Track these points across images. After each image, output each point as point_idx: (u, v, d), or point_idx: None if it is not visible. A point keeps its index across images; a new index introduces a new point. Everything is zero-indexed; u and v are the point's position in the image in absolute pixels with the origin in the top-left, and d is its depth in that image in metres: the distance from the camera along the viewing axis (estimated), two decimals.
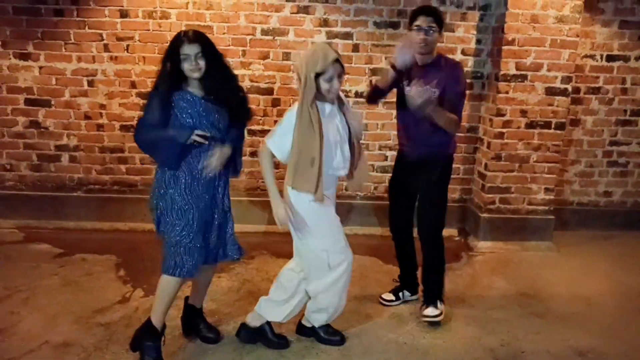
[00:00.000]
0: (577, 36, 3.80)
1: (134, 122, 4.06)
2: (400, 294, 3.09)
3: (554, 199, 4.10)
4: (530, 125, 3.90)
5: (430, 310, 2.83)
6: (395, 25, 4.01)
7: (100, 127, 4.11)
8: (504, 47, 3.76)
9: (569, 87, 3.87)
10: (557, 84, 3.84)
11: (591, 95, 4.26)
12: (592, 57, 4.18)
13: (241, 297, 3.13)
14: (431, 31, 2.57)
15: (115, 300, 3.01)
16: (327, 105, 2.37)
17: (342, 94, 2.47)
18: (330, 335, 2.66)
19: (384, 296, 3.08)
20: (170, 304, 2.39)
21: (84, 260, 3.57)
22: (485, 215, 4.05)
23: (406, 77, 2.69)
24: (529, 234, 4.06)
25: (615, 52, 4.18)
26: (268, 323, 2.60)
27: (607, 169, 4.43)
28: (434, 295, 2.88)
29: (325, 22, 3.97)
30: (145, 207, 4.13)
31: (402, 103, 2.75)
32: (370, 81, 2.62)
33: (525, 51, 3.77)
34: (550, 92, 3.85)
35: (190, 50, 2.21)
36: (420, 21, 2.58)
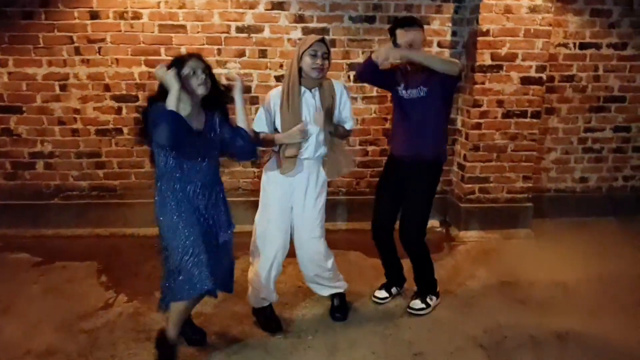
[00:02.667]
0: (550, 25, 3.85)
1: (110, 127, 4.03)
2: (392, 289, 3.11)
3: (532, 186, 4.17)
4: (507, 115, 3.95)
5: (416, 303, 2.92)
6: (371, 20, 4.01)
7: (75, 132, 4.03)
8: (479, 38, 3.79)
9: (544, 76, 3.93)
10: (532, 73, 3.89)
11: (565, 83, 4.33)
12: (565, 45, 4.24)
13: (226, 297, 3.10)
14: (416, 41, 2.64)
15: (98, 306, 2.97)
16: (306, 90, 2.56)
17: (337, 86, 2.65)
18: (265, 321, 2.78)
19: (377, 294, 3.08)
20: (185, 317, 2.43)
21: (65, 267, 3.51)
22: (465, 205, 4.10)
23: (402, 81, 2.76)
24: (509, 222, 4.13)
25: (588, 40, 4.25)
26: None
27: (582, 156, 4.52)
28: (422, 290, 2.97)
29: (300, 18, 3.96)
30: (126, 211, 4.14)
31: (399, 106, 2.83)
32: (370, 55, 2.65)
33: (500, 42, 3.81)
34: (526, 81, 3.90)
35: (197, 65, 2.22)
36: (400, 36, 2.66)
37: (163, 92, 2.17)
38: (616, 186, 4.62)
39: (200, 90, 2.23)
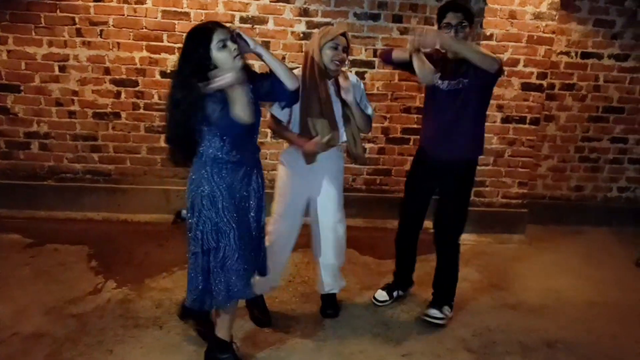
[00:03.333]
0: (553, 33, 3.86)
1: (107, 110, 4.00)
2: (395, 292, 3.01)
3: (527, 192, 4.18)
4: (506, 119, 3.96)
5: (434, 312, 2.76)
6: (375, 17, 3.99)
7: (72, 114, 4.00)
8: (482, 42, 3.79)
9: (544, 83, 3.94)
10: (533, 80, 3.89)
11: (565, 91, 4.34)
12: (567, 54, 4.25)
13: None
14: (461, 27, 2.50)
15: (88, 291, 2.96)
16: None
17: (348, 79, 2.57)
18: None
19: (377, 296, 2.98)
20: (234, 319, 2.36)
21: (56, 250, 3.48)
22: None
23: (438, 71, 2.58)
24: (503, 227, 4.14)
25: (590, 50, 4.27)
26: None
27: (578, 164, 4.54)
28: (443, 298, 2.82)
29: (305, 12, 3.93)
30: (120, 196, 4.12)
31: (433, 98, 2.67)
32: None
33: (503, 46, 3.81)
34: (526, 87, 3.91)
35: (224, 35, 2.01)
36: (449, 18, 2.51)
37: (191, 66, 2.00)
38: (611, 196, 4.64)
39: (238, 63, 2.02)
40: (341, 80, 2.53)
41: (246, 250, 2.17)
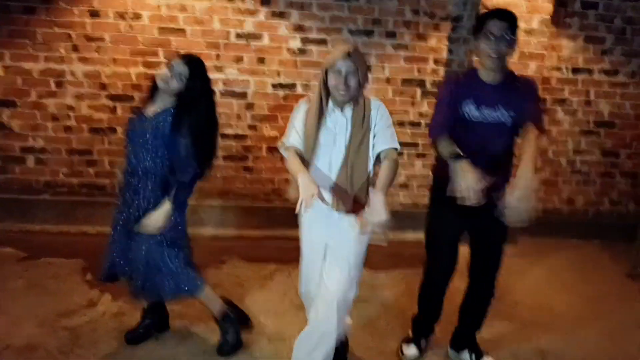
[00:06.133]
0: (545, 49, 3.93)
1: (103, 125, 4.03)
2: (421, 342, 2.69)
3: None
4: None
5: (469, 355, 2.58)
6: (369, 34, 4.06)
7: (68, 129, 4.03)
8: (475, 59, 3.84)
9: None
10: None
11: (557, 106, 4.41)
12: (558, 69, 4.33)
13: None
14: (505, 39, 2.07)
15: (82, 304, 2.95)
16: (338, 111, 2.14)
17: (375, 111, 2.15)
18: None
19: (407, 352, 2.63)
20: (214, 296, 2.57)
21: (50, 263, 3.48)
22: None
23: (470, 97, 2.18)
24: None
25: (580, 66, 4.34)
26: None
27: (570, 178, 4.58)
28: (474, 339, 2.64)
29: (300, 28, 4.00)
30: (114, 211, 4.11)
31: (463, 129, 2.22)
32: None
33: None
34: None
35: (177, 64, 2.29)
36: (491, 27, 2.07)
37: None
38: (603, 210, 4.69)
39: (162, 84, 2.28)
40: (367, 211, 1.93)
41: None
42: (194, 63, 2.31)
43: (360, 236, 2.11)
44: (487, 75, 2.17)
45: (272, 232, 3.99)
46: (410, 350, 2.63)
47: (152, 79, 2.35)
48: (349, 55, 2.05)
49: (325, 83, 2.11)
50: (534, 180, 1.93)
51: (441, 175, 2.29)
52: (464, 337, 2.63)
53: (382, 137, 2.13)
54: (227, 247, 3.87)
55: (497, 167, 2.18)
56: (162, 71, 2.29)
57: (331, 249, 2.20)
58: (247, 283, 3.36)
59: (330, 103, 2.15)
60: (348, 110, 2.14)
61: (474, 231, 2.43)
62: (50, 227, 4.04)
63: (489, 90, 2.17)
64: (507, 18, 2.09)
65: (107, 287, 3.15)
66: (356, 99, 2.13)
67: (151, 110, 2.34)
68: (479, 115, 2.18)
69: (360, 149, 2.11)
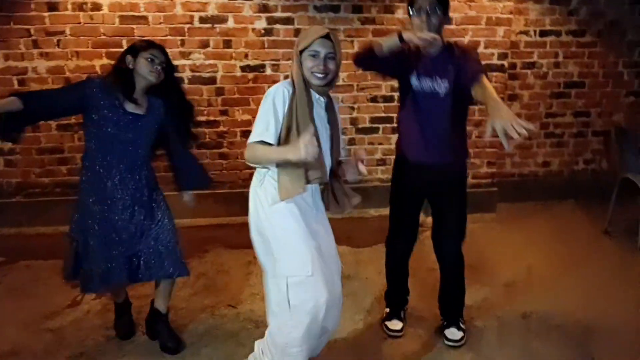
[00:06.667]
0: (511, 13, 3.93)
1: (71, 121, 3.93)
2: (402, 313, 2.73)
3: (496, 171, 4.27)
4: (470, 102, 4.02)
5: (454, 333, 2.55)
6: (335, 9, 4.00)
7: (35, 128, 3.91)
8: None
9: (506, 63, 4.02)
10: (494, 61, 3.97)
11: (527, 70, 4.43)
12: (526, 33, 4.34)
13: (196, 291, 3.10)
14: (434, 12, 2.17)
15: (65, 305, 2.92)
16: (315, 95, 1.99)
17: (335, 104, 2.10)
18: None
19: (391, 327, 2.65)
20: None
21: (29, 266, 3.43)
22: None
23: (413, 69, 2.29)
24: (474, 207, 4.13)
25: (548, 28, 4.36)
26: None
27: (544, 140, 4.65)
28: (455, 314, 2.62)
29: (264, 8, 3.92)
30: None
31: (409, 100, 2.35)
32: (370, 42, 2.26)
33: (463, 30, 3.87)
34: (488, 68, 3.94)
35: (158, 54, 2.26)
36: (421, 2, 2.18)
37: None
38: (577, 170, 4.78)
39: (152, 77, 2.25)
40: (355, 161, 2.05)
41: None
42: (162, 47, 2.32)
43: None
44: (423, 47, 2.20)
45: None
46: (395, 324, 2.65)
47: (122, 72, 2.25)
48: (327, 36, 1.89)
49: (299, 65, 1.94)
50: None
51: (401, 147, 2.50)
52: (449, 316, 2.63)
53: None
54: (209, 237, 3.85)
55: (445, 142, 2.33)
56: (150, 67, 2.23)
57: (325, 248, 2.05)
58: (232, 270, 3.37)
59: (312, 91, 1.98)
60: (323, 102, 2.03)
61: (433, 198, 2.54)
62: (26, 229, 3.97)
63: (427, 61, 2.27)
64: None
65: None
66: (331, 86, 2.00)
67: (135, 106, 2.28)
68: (419, 85, 2.29)
69: (338, 142, 2.13)
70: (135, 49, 2.26)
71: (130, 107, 2.27)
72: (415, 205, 2.57)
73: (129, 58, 2.25)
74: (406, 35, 2.09)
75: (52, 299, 2.99)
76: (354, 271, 3.27)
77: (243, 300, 2.95)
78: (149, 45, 2.27)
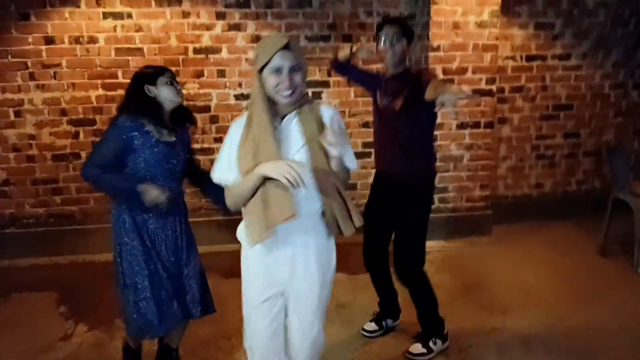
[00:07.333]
0: (497, 39, 4.02)
1: (67, 151, 3.96)
2: (384, 322, 2.87)
3: (490, 194, 4.30)
4: (461, 126, 4.08)
5: (415, 347, 2.65)
6: (326, 39, 4.10)
7: (30, 158, 3.95)
8: (431, 54, 3.92)
9: (494, 88, 4.09)
10: (483, 86, 4.04)
11: (515, 93, 4.51)
12: (512, 58, 4.43)
13: (192, 321, 3.06)
14: (397, 40, 2.42)
15: (58, 337, 2.89)
16: (281, 119, 1.75)
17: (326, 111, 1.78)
18: None
19: (366, 327, 2.85)
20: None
21: (23, 299, 3.40)
22: None
23: (378, 87, 2.59)
24: (470, 230, 4.23)
25: (534, 52, 4.46)
26: None
27: (536, 162, 4.70)
28: (425, 332, 2.69)
29: (257, 38, 4.00)
30: (85, 237, 4.05)
31: (375, 115, 2.64)
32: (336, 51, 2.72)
33: (451, 56, 3.95)
34: (477, 93, 4.04)
35: (173, 75, 2.21)
36: (385, 30, 2.44)
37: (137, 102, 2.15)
38: (570, 190, 4.82)
39: (179, 98, 2.20)
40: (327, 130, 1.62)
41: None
42: (168, 69, 2.26)
43: (325, 275, 1.85)
44: (388, 70, 2.54)
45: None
46: (369, 325, 2.85)
47: (149, 100, 2.14)
48: (287, 45, 1.64)
49: (261, 90, 1.70)
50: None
51: (375, 164, 2.72)
52: (421, 331, 2.73)
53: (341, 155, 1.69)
54: (204, 265, 3.81)
55: (400, 155, 2.52)
56: (173, 90, 2.17)
57: (293, 299, 1.84)
58: (228, 300, 3.33)
59: (276, 113, 1.74)
60: (292, 118, 1.75)
61: (392, 210, 2.62)
62: (20, 261, 3.95)
63: (388, 82, 2.54)
64: (397, 24, 2.46)
65: (81, 317, 3.11)
66: (301, 102, 1.74)
67: (167, 133, 2.18)
68: (380, 102, 2.57)
69: (321, 161, 1.70)
70: (151, 77, 2.15)
71: (165, 137, 2.17)
72: (384, 214, 2.66)
73: (149, 87, 2.14)
74: (354, 50, 2.65)
75: (46, 332, 2.96)
76: (350, 298, 3.26)
77: (237, 332, 2.92)
78: (163, 69, 2.21)
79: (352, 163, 1.80)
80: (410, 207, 2.55)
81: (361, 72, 2.83)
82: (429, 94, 2.16)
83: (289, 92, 1.66)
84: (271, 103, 1.71)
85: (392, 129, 2.51)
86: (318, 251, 1.81)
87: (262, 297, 1.82)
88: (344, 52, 2.75)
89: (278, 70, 1.65)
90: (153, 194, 2.10)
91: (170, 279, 2.24)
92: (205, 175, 2.15)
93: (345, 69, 2.82)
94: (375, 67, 3.69)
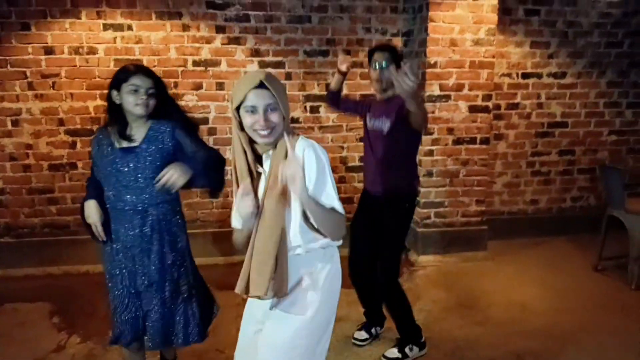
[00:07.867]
0: (494, 57, 4.07)
1: (63, 161, 3.96)
2: (373, 330, 2.97)
3: (485, 210, 4.32)
4: (457, 141, 4.11)
5: (391, 351, 2.77)
6: (324, 53, 4.14)
7: (27, 167, 3.94)
8: (428, 70, 3.96)
9: (490, 104, 4.13)
10: (479, 102, 4.08)
11: (511, 110, 4.56)
12: (508, 75, 4.49)
13: None
14: (387, 65, 2.58)
15: (51, 349, 2.86)
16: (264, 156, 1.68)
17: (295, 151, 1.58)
18: None
19: (356, 336, 2.94)
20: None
21: (16, 310, 3.37)
22: (422, 230, 4.19)
23: (368, 111, 2.77)
24: (465, 245, 4.24)
25: (529, 70, 4.52)
26: None
27: (531, 179, 4.73)
28: (402, 339, 2.80)
29: (256, 52, 4.04)
30: (80, 248, 4.02)
31: (365, 137, 2.80)
32: (327, 85, 2.82)
33: (447, 73, 3.99)
34: (473, 109, 4.08)
35: (141, 82, 1.97)
36: (377, 57, 2.62)
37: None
38: (565, 207, 4.84)
39: (138, 110, 1.99)
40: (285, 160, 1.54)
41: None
42: (148, 69, 2.06)
43: (300, 309, 1.78)
44: (377, 94, 2.73)
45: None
46: (360, 334, 2.94)
47: (113, 110, 2.04)
48: (261, 83, 1.55)
49: (240, 128, 1.62)
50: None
51: (363, 181, 2.89)
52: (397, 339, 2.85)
53: (317, 189, 1.59)
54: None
55: (385, 175, 2.67)
56: (134, 99, 1.97)
57: (263, 334, 1.78)
58: (221, 312, 3.32)
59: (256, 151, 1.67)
60: (267, 158, 1.67)
61: (375, 229, 2.73)
62: (14, 271, 3.92)
63: (378, 105, 2.72)
64: (387, 50, 2.65)
65: (75, 328, 3.08)
66: (281, 137, 1.62)
67: (129, 141, 2.04)
68: (370, 124, 2.73)
69: (277, 212, 1.61)
70: (117, 81, 1.99)
71: (124, 144, 2.04)
72: (369, 229, 2.78)
73: (114, 93, 2.00)
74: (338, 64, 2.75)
75: (39, 343, 2.93)
76: (345, 312, 3.24)
77: (231, 345, 2.89)
78: (129, 73, 1.97)
79: (328, 200, 1.61)
80: (391, 222, 2.70)
81: (352, 101, 3.09)
82: (410, 117, 2.41)
83: (266, 132, 1.58)
84: (252, 141, 1.64)
85: (380, 150, 2.68)
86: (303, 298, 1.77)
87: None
88: (334, 80, 2.87)
89: (253, 110, 1.57)
90: (86, 211, 2.05)
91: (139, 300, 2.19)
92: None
93: (337, 101, 2.96)
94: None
